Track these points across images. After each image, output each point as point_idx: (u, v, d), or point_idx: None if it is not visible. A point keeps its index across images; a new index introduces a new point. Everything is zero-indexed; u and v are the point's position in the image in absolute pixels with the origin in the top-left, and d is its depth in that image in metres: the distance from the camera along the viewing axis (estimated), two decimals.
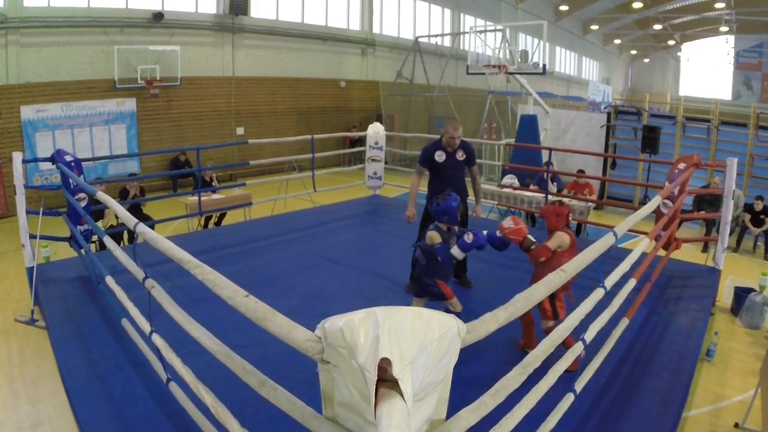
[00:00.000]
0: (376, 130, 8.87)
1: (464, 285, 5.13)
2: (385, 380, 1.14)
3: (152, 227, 3.31)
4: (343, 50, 15.80)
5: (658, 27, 27.70)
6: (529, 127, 10.66)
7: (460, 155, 4.83)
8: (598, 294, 2.81)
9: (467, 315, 1.55)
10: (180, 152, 11.34)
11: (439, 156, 4.80)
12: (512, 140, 11.08)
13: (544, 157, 9.20)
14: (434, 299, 3.79)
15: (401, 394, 1.12)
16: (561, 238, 3.58)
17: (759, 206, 7.94)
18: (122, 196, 7.40)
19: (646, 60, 34.37)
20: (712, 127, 10.00)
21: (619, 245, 3.94)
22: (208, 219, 8.17)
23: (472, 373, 3.41)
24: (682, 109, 10.54)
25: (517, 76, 11.18)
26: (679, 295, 5.14)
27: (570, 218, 3.72)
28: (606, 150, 11.04)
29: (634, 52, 34.22)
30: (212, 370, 2.58)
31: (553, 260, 3.48)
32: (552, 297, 3.45)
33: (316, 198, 8.94)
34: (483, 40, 12.06)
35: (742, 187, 9.08)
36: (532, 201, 8.34)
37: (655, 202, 4.09)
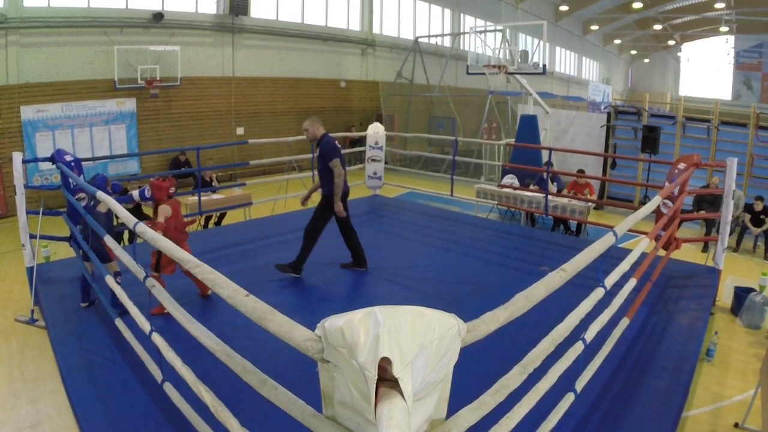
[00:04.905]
0: (376, 130, 8.88)
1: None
2: (386, 380, 1.14)
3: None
4: (343, 50, 15.80)
5: (658, 27, 27.70)
6: (529, 127, 10.65)
7: (317, 151, 5.25)
8: (598, 294, 2.81)
9: (469, 315, 1.55)
10: (180, 152, 11.33)
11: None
12: (512, 140, 11.07)
13: (544, 157, 9.21)
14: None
15: (401, 394, 1.12)
16: (164, 210, 4.31)
17: (759, 206, 7.93)
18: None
19: (646, 60, 34.38)
20: (712, 127, 10.00)
21: (619, 245, 3.94)
22: (208, 219, 8.17)
23: (473, 372, 3.41)
24: (682, 109, 10.53)
25: (517, 76, 11.17)
26: (679, 295, 5.14)
27: (171, 191, 4.43)
28: (606, 150, 11.04)
29: (634, 52, 34.22)
30: (212, 369, 2.58)
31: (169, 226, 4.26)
32: (159, 253, 4.07)
33: (316, 198, 8.92)
34: (483, 40, 12.06)
35: (742, 187, 9.07)
36: (532, 201, 8.34)
37: (655, 202, 4.09)
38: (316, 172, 7.85)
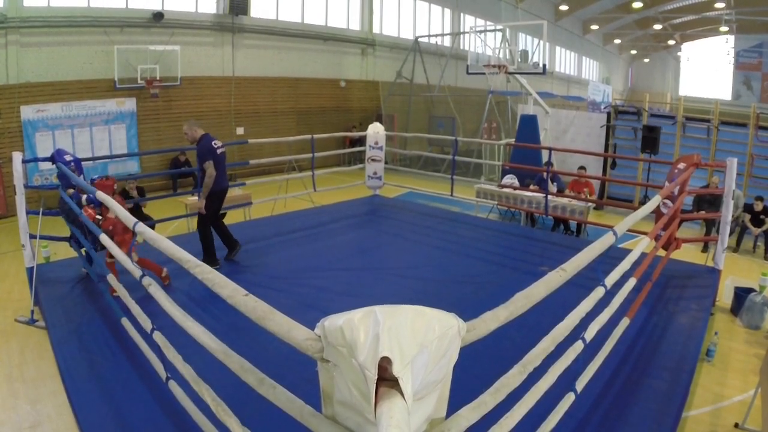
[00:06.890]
0: (376, 130, 8.88)
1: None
2: (385, 379, 1.14)
3: (152, 227, 3.32)
4: (343, 50, 15.80)
5: (658, 27, 27.70)
6: (529, 127, 10.65)
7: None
8: (598, 293, 2.81)
9: (469, 314, 1.55)
10: (180, 152, 11.33)
11: None
12: (512, 140, 11.07)
13: (544, 157, 9.20)
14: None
15: (401, 393, 1.12)
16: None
17: (759, 206, 7.93)
18: (122, 196, 7.39)
19: (646, 60, 34.37)
20: (712, 127, 10.00)
21: (619, 245, 3.94)
22: None
23: (472, 371, 3.41)
24: (682, 109, 10.53)
25: (517, 76, 11.16)
26: (679, 295, 5.14)
27: (114, 188, 4.86)
28: (606, 150, 11.03)
29: (634, 52, 34.22)
30: (212, 368, 2.58)
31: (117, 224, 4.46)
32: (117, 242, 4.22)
33: (316, 198, 8.94)
34: (483, 40, 12.05)
35: (742, 187, 9.08)
36: (532, 201, 8.34)
37: (655, 201, 4.09)
38: (315, 172, 7.89)
